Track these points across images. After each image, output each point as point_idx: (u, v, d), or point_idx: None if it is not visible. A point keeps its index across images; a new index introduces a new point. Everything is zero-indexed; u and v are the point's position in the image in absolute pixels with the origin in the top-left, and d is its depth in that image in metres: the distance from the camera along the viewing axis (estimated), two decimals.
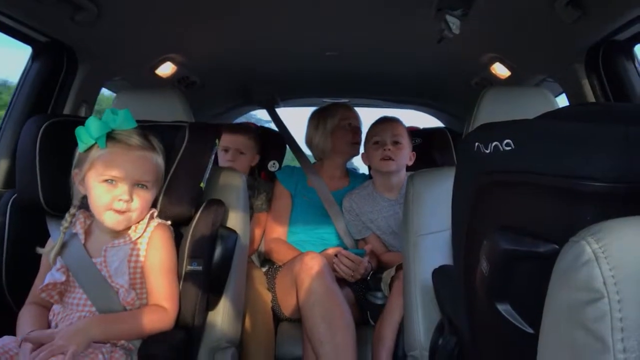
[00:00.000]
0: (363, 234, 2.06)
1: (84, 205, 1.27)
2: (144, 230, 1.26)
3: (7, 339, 1.16)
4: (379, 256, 2.01)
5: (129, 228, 1.26)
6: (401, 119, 2.11)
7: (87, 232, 1.28)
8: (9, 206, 1.38)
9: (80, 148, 1.23)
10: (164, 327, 1.23)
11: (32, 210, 1.35)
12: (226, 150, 2.17)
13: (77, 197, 1.28)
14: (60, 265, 1.23)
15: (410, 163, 2.07)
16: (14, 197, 1.39)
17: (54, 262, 1.23)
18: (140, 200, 1.23)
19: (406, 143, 2.03)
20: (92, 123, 1.20)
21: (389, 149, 1.98)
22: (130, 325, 1.19)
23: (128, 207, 1.21)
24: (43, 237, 1.32)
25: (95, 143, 1.21)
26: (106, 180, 1.20)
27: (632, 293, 0.50)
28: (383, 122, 2.06)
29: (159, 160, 1.29)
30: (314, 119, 2.25)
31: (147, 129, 1.30)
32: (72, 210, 1.27)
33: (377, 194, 2.05)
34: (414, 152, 2.08)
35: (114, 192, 1.20)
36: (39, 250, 1.27)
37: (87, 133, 1.20)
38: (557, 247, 0.65)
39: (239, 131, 2.22)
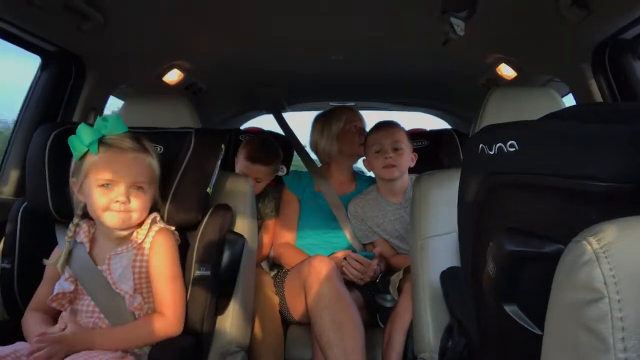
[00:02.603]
0: (370, 239, 2.06)
1: (87, 215, 1.28)
2: (146, 236, 1.27)
3: (20, 345, 1.17)
4: (388, 259, 2.00)
5: (131, 234, 1.27)
6: (408, 121, 2.11)
7: (92, 241, 1.29)
8: (19, 214, 1.40)
9: (75, 157, 1.24)
10: (169, 334, 1.24)
11: (42, 219, 1.37)
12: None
13: (78, 206, 1.29)
14: (68, 275, 1.25)
15: (413, 164, 2.05)
16: (24, 205, 1.41)
17: (62, 271, 1.25)
18: (139, 201, 1.24)
19: (407, 147, 2.01)
20: (83, 130, 1.22)
21: (391, 157, 1.95)
22: (131, 337, 1.20)
23: (126, 208, 1.22)
24: (53, 245, 1.34)
25: (89, 150, 1.22)
26: (102, 185, 1.21)
27: (632, 293, 0.50)
28: (382, 129, 2.03)
29: (153, 162, 1.29)
30: (319, 124, 2.25)
31: (154, 135, 1.31)
32: (76, 220, 1.29)
33: (382, 199, 2.04)
34: (415, 153, 2.06)
35: (110, 196, 1.21)
36: (46, 262, 1.29)
37: (79, 141, 1.21)
38: (563, 247, 0.64)
39: (258, 162, 2.09)
